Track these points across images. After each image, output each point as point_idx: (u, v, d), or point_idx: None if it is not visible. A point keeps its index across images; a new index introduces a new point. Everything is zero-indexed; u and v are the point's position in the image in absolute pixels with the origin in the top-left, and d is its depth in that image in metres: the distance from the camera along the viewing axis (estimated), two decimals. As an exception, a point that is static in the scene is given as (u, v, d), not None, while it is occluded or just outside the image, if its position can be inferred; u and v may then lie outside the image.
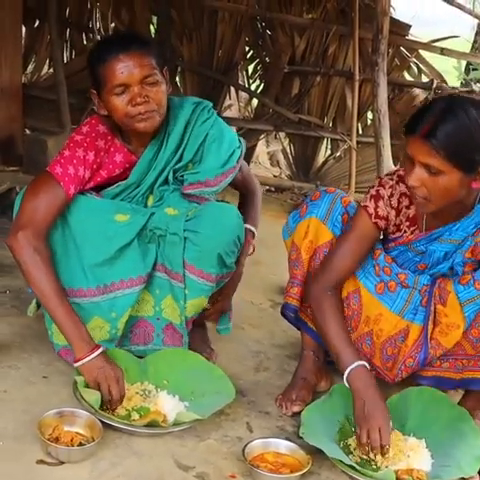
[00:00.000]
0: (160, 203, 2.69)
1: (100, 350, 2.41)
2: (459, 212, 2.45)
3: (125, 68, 2.44)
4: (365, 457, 2.34)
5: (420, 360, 2.53)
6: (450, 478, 2.24)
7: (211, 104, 2.74)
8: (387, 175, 2.56)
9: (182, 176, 2.68)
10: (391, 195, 2.50)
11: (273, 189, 5.95)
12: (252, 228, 2.80)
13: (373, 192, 2.52)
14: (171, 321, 2.68)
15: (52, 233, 2.56)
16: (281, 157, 6.49)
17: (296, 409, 2.59)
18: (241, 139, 2.78)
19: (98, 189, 2.65)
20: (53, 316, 2.46)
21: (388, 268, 2.61)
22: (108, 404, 2.39)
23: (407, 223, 2.55)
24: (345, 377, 2.39)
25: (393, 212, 2.51)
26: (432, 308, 2.53)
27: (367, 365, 2.43)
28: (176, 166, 2.67)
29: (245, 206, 2.84)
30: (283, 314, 2.75)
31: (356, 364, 2.39)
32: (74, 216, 2.58)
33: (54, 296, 2.44)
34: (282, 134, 6.42)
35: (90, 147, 2.56)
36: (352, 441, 2.41)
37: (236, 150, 2.70)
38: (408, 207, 2.51)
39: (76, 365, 2.40)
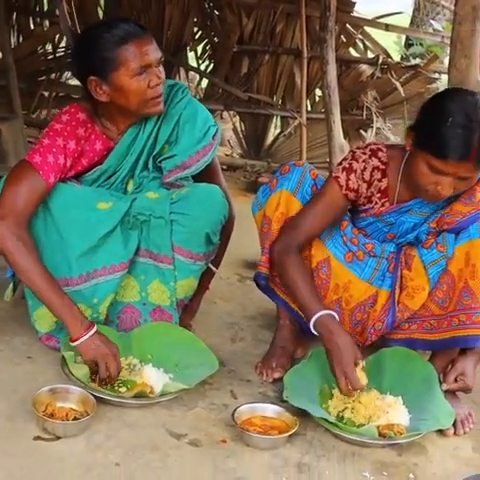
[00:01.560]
0: (139, 190, 2.73)
1: (94, 329, 2.45)
2: None
3: (149, 49, 2.50)
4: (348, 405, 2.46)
5: (388, 323, 2.65)
6: (428, 430, 2.38)
7: (185, 85, 2.78)
8: (359, 149, 2.63)
9: (160, 162, 2.71)
10: (364, 169, 2.58)
11: (225, 167, 6.02)
12: (213, 268, 2.89)
13: (346, 165, 2.60)
14: (159, 304, 2.73)
15: (34, 222, 2.57)
16: (232, 135, 6.55)
17: (277, 376, 2.68)
18: (215, 120, 2.81)
19: (77, 176, 2.66)
20: (45, 300, 2.47)
21: (355, 239, 2.72)
22: (106, 380, 2.43)
23: (378, 195, 2.63)
24: (312, 326, 2.48)
25: (364, 185, 2.60)
26: (399, 273, 2.65)
27: (333, 313, 2.50)
28: (154, 151, 2.70)
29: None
30: (257, 283, 2.83)
31: (321, 313, 2.47)
32: (56, 205, 2.58)
33: (43, 281, 2.45)
34: (231, 113, 6.48)
35: (70, 136, 2.57)
36: (331, 403, 2.52)
37: (211, 127, 2.73)
38: (380, 180, 2.60)
39: (73, 345, 2.43)
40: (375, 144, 2.64)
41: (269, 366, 2.73)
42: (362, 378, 2.41)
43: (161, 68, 2.56)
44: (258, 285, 2.84)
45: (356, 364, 2.41)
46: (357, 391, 2.42)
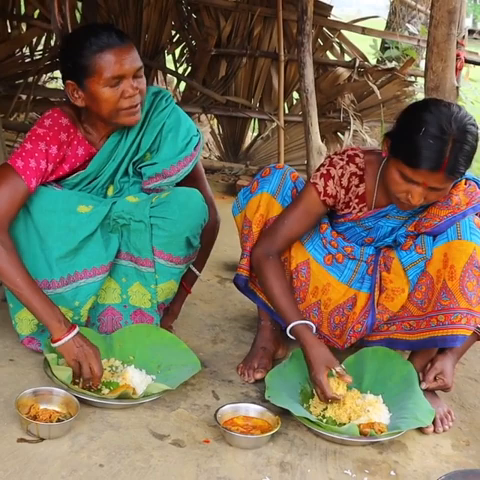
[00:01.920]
0: (120, 194, 2.73)
1: (76, 330, 2.46)
2: None
3: (124, 60, 2.48)
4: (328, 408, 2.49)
5: (368, 325, 2.68)
6: (408, 428, 2.41)
7: (169, 93, 2.77)
8: (336, 155, 2.65)
9: (141, 168, 2.72)
10: (341, 175, 2.61)
11: (203, 170, 6.02)
12: (196, 272, 2.91)
13: (324, 171, 2.62)
14: (140, 307, 2.74)
15: (15, 225, 2.56)
16: (210, 138, 6.57)
17: (258, 376, 2.71)
18: (199, 129, 2.81)
19: (57, 180, 2.66)
20: (26, 303, 2.47)
21: (334, 242, 2.75)
22: (89, 381, 2.44)
23: (356, 200, 2.66)
24: (288, 333, 2.54)
25: (342, 191, 2.63)
26: (378, 276, 2.68)
27: (307, 323, 2.55)
28: (135, 157, 2.71)
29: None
30: (236, 285, 2.86)
31: (295, 323, 2.53)
32: (36, 208, 2.58)
33: (24, 284, 2.45)
34: (209, 116, 6.50)
35: (53, 141, 2.56)
36: (312, 402, 2.55)
37: (193, 138, 2.73)
38: (358, 186, 2.63)
39: (54, 346, 2.44)
40: (353, 149, 2.66)
41: (250, 367, 2.75)
42: (337, 387, 2.45)
43: (141, 79, 2.55)
44: (238, 287, 2.86)
45: (330, 370, 2.45)
46: (333, 399, 2.46)
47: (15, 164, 2.51)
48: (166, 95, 2.74)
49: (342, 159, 2.62)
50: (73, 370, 2.44)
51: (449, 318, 2.52)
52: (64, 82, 2.57)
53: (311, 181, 2.64)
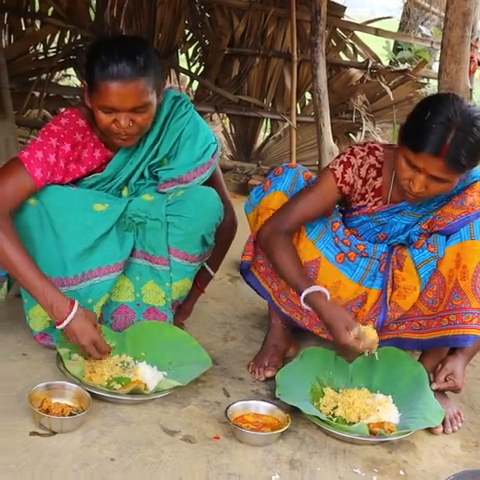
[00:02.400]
0: (134, 196, 2.74)
1: (76, 305, 2.46)
2: None
3: (121, 96, 2.44)
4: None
5: (379, 322, 2.68)
6: (418, 428, 2.42)
7: (188, 98, 2.78)
8: (358, 145, 2.68)
9: (156, 172, 2.73)
10: (361, 165, 2.63)
11: (215, 169, 6.05)
12: (211, 272, 2.93)
13: (344, 158, 2.64)
14: (153, 305, 2.76)
15: (30, 223, 2.58)
16: (222, 138, 6.58)
17: (269, 374, 2.72)
18: (216, 136, 2.82)
19: (74, 181, 2.67)
20: (25, 284, 2.47)
21: (347, 240, 2.75)
22: (97, 354, 2.49)
23: (372, 193, 2.68)
24: (302, 300, 2.53)
25: (360, 181, 2.65)
26: (390, 273, 2.69)
27: (320, 289, 2.54)
28: (152, 162, 2.71)
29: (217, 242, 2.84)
30: (242, 275, 2.89)
31: (307, 292, 2.52)
32: (53, 206, 2.60)
33: (22, 265, 2.44)
34: (221, 115, 6.51)
35: (67, 139, 2.58)
36: (322, 401, 2.56)
37: (211, 145, 2.74)
38: (375, 178, 2.65)
39: (60, 327, 2.45)
40: (373, 143, 2.69)
41: (261, 365, 2.76)
42: (366, 335, 2.44)
43: (142, 114, 2.50)
44: (244, 277, 2.88)
45: (351, 329, 2.43)
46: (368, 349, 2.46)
47: (21, 155, 2.54)
48: (185, 101, 2.73)
49: (363, 150, 2.65)
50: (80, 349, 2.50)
51: (460, 318, 2.52)
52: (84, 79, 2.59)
53: (330, 167, 2.66)
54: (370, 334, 2.47)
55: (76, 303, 2.47)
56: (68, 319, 2.44)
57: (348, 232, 2.76)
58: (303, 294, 2.52)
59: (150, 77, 2.49)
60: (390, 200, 2.67)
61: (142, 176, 2.74)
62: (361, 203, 2.71)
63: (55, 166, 2.58)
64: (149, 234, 2.68)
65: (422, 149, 2.36)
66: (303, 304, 2.54)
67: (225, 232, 2.84)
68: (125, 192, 2.76)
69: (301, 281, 2.57)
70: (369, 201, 2.69)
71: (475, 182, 2.56)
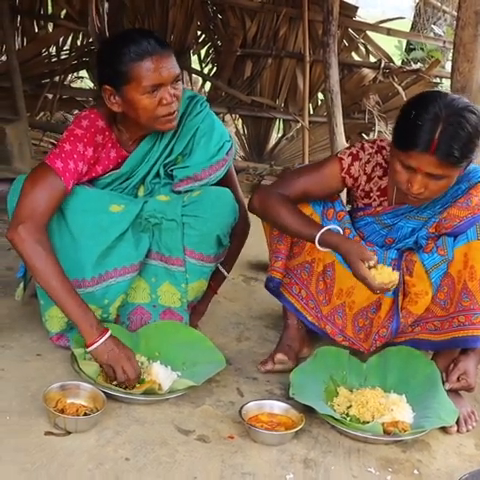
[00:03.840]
0: (150, 195, 2.75)
1: (109, 333, 2.47)
2: None
3: (163, 68, 2.48)
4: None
5: (393, 329, 2.67)
6: (432, 427, 2.42)
7: (204, 98, 2.79)
8: (368, 142, 2.67)
9: (172, 170, 2.73)
10: (367, 161, 2.63)
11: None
12: (225, 272, 2.92)
13: (354, 151, 2.64)
14: (169, 306, 2.76)
15: (48, 227, 2.57)
16: (235, 138, 6.59)
17: (278, 367, 2.74)
18: (231, 135, 2.83)
19: (90, 180, 2.68)
20: (61, 304, 2.48)
21: None
22: (125, 384, 2.45)
23: (378, 193, 2.68)
24: (317, 244, 2.52)
25: (364, 177, 2.64)
26: (401, 280, 2.66)
27: (332, 227, 2.54)
28: (167, 160, 2.72)
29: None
30: (267, 287, 2.86)
31: (318, 235, 2.51)
32: (69, 208, 2.60)
33: (61, 286, 2.46)
34: (234, 116, 6.52)
35: (90, 142, 2.58)
36: (336, 400, 2.56)
37: (226, 143, 2.74)
38: (381, 178, 2.64)
39: (88, 350, 2.46)
40: (382, 141, 2.68)
41: (272, 357, 2.77)
42: (383, 271, 2.44)
43: (178, 84, 2.55)
44: (269, 290, 2.86)
45: (367, 261, 2.44)
46: (381, 290, 2.46)
47: (55, 164, 2.52)
48: (201, 100, 2.75)
49: (372, 147, 2.65)
50: (108, 373, 2.46)
51: (469, 319, 2.52)
52: (101, 86, 2.57)
53: (338, 155, 2.65)
54: (388, 272, 2.45)
55: (109, 332, 2.47)
56: (96, 345, 2.44)
57: (358, 239, 2.74)
58: (316, 239, 2.51)
59: (172, 51, 2.57)
60: (395, 201, 2.66)
61: (157, 175, 2.75)
62: (366, 201, 2.70)
63: (81, 173, 2.60)
64: (165, 235, 2.68)
65: (412, 148, 2.35)
66: (319, 247, 2.52)
67: (238, 234, 2.85)
68: (141, 192, 2.77)
69: (309, 229, 2.56)
70: (374, 200, 2.69)
71: (479, 182, 2.53)
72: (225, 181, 2.78)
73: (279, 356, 2.75)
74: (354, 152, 2.64)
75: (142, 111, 2.53)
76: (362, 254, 2.46)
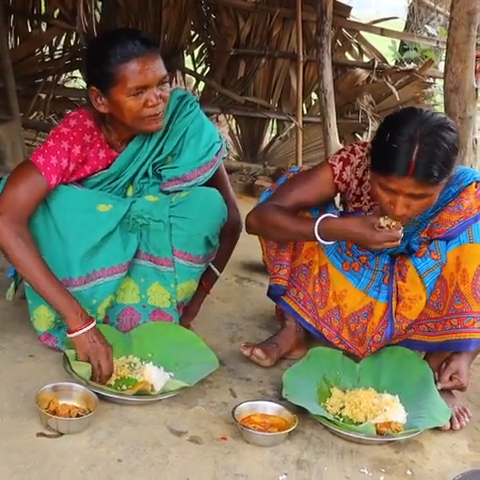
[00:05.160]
0: (139, 195, 2.75)
1: (93, 323, 2.49)
2: None
3: (148, 70, 2.47)
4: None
5: (387, 335, 2.67)
6: (425, 427, 2.42)
7: (194, 98, 2.78)
8: (358, 144, 2.65)
9: (160, 170, 2.73)
10: (358, 165, 2.61)
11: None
12: (217, 272, 2.92)
13: (344, 155, 2.62)
14: (159, 306, 2.75)
15: (35, 223, 2.58)
16: (228, 139, 6.59)
17: (254, 360, 2.75)
18: (221, 135, 2.82)
19: (78, 180, 2.68)
20: (44, 294, 2.49)
21: (349, 251, 2.75)
22: (97, 378, 2.46)
23: (368, 197, 2.66)
24: (317, 236, 2.47)
25: (356, 181, 2.63)
26: (394, 285, 2.67)
27: (328, 214, 2.51)
28: (156, 159, 2.72)
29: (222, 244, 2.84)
30: (270, 294, 2.86)
31: (315, 228, 2.46)
32: (57, 206, 2.60)
33: (42, 275, 2.48)
34: (227, 116, 6.52)
35: (76, 141, 2.58)
36: (329, 401, 2.56)
37: (216, 144, 2.74)
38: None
39: (70, 336, 2.47)
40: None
41: (252, 350, 2.77)
42: (391, 224, 2.39)
43: (165, 86, 2.54)
44: (273, 298, 2.86)
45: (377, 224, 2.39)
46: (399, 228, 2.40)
47: (36, 160, 2.54)
48: (191, 100, 2.74)
49: (363, 150, 2.63)
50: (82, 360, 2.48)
51: (462, 322, 2.53)
52: (88, 86, 2.58)
53: (329, 161, 2.63)
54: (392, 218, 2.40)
55: (94, 322, 2.49)
56: (78, 332, 2.45)
57: (349, 243, 2.74)
58: (315, 232, 2.47)
59: (159, 50, 2.55)
60: None
61: (146, 174, 2.75)
62: (357, 205, 2.69)
63: (66, 170, 2.59)
64: (153, 235, 2.68)
65: (390, 172, 2.30)
66: (321, 241, 2.48)
67: (230, 232, 2.85)
68: (130, 191, 2.76)
69: (306, 224, 2.52)
70: (365, 204, 2.67)
71: (470, 184, 2.51)
72: (216, 181, 2.77)
73: (257, 352, 2.75)
74: (345, 156, 2.62)
75: (128, 112, 2.53)
76: (370, 222, 2.39)
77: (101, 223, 2.65)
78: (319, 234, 2.47)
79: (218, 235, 2.74)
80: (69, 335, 2.47)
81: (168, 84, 2.57)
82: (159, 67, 2.51)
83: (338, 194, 2.75)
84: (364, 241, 2.43)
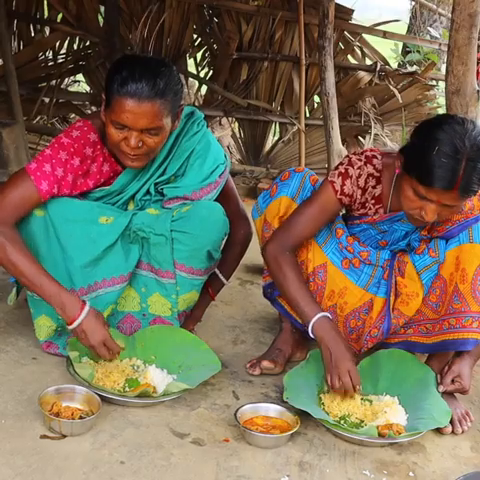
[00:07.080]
0: (139, 211, 2.74)
1: (88, 306, 2.49)
2: None
3: (134, 115, 2.42)
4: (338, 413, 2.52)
5: (384, 330, 2.68)
6: (427, 429, 2.42)
7: (202, 116, 2.76)
8: (355, 155, 2.65)
9: (162, 189, 2.72)
10: (359, 176, 2.61)
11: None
12: (224, 280, 2.92)
13: (342, 170, 2.62)
14: (159, 315, 2.75)
15: (36, 235, 2.59)
16: (231, 142, 6.60)
17: (266, 372, 2.76)
18: (227, 155, 2.80)
19: (81, 194, 2.68)
20: (34, 288, 2.49)
21: (350, 247, 2.75)
22: (108, 357, 2.53)
23: (373, 201, 2.67)
24: (310, 329, 2.53)
25: (359, 191, 2.63)
26: (393, 281, 2.69)
27: (329, 315, 2.56)
28: (158, 179, 2.71)
29: (228, 250, 2.86)
30: (265, 294, 2.88)
31: (318, 316, 2.52)
32: (58, 218, 2.60)
33: (30, 269, 2.46)
34: (230, 119, 6.53)
35: (77, 153, 2.57)
36: (325, 399, 2.57)
37: (220, 166, 2.72)
38: (374, 187, 2.63)
39: (71, 327, 2.48)
40: (371, 151, 2.67)
41: (259, 362, 2.77)
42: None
43: (153, 137, 2.48)
44: (267, 295, 2.87)
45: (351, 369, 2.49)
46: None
47: (28, 166, 2.54)
48: (198, 119, 2.73)
49: (360, 159, 2.63)
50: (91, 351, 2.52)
51: (460, 321, 2.53)
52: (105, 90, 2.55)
53: (329, 179, 2.64)
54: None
55: (87, 303, 2.50)
56: (79, 319, 2.46)
57: (351, 239, 2.75)
58: (312, 320, 2.52)
59: (167, 101, 2.47)
60: (390, 208, 2.65)
61: (148, 192, 2.74)
62: (362, 211, 2.70)
63: (62, 180, 2.57)
64: (154, 249, 2.67)
65: (435, 185, 2.32)
66: (310, 333, 2.54)
67: (241, 243, 2.87)
68: (131, 207, 2.76)
69: (308, 307, 2.56)
70: (370, 209, 2.68)
71: None
72: (224, 196, 2.76)
73: (265, 364, 2.76)
74: (342, 171, 2.62)
75: (109, 136, 2.52)
76: (348, 359, 2.50)
77: (102, 235, 2.64)
78: (313, 326, 2.53)
79: (220, 248, 2.74)
80: (70, 327, 2.48)
81: (162, 135, 2.52)
82: (148, 116, 2.43)
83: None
84: (331, 362, 2.50)
